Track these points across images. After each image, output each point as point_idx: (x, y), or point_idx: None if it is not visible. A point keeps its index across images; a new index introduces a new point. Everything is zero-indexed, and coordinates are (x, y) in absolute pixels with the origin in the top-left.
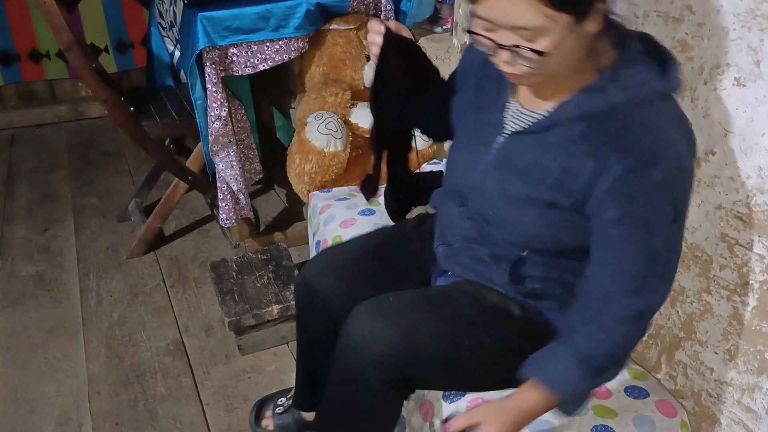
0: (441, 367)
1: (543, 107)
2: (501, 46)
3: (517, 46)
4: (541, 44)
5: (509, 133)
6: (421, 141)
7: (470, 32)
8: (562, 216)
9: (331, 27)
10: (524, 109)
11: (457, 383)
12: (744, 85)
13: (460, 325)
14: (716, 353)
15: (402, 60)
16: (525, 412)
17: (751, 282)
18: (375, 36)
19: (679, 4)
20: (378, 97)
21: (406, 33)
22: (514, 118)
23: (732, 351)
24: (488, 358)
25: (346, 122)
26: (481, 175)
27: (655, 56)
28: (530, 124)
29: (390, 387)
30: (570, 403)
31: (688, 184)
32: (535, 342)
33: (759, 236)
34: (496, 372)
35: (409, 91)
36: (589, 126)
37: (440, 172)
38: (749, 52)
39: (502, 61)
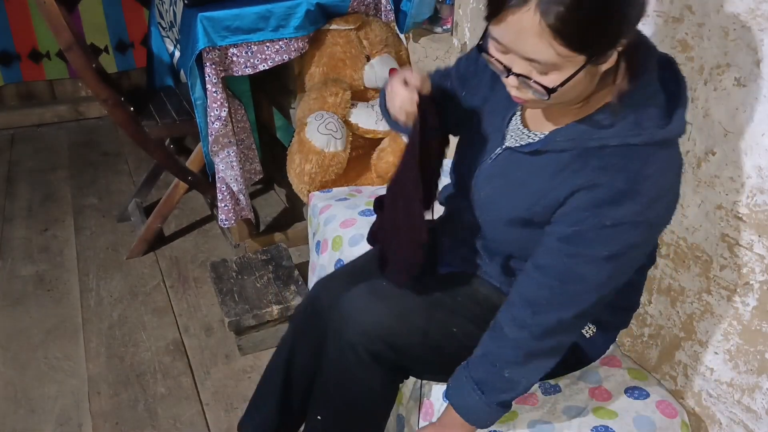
0: (429, 351)
1: (542, 129)
2: (511, 73)
3: (528, 77)
4: (552, 79)
5: (506, 146)
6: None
7: (482, 51)
8: (535, 234)
9: (331, 27)
10: (524, 129)
11: (444, 369)
12: (744, 85)
13: (452, 313)
14: (716, 353)
15: (434, 118)
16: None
17: (751, 282)
18: (408, 105)
19: (679, 4)
20: (425, 165)
21: (425, 85)
22: (513, 133)
23: (732, 351)
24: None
25: (346, 122)
26: (477, 182)
27: (669, 88)
28: (525, 143)
29: (377, 361)
30: (483, 423)
31: (642, 234)
32: None
33: (759, 236)
34: None
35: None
36: (574, 157)
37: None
38: (749, 52)
39: (510, 85)
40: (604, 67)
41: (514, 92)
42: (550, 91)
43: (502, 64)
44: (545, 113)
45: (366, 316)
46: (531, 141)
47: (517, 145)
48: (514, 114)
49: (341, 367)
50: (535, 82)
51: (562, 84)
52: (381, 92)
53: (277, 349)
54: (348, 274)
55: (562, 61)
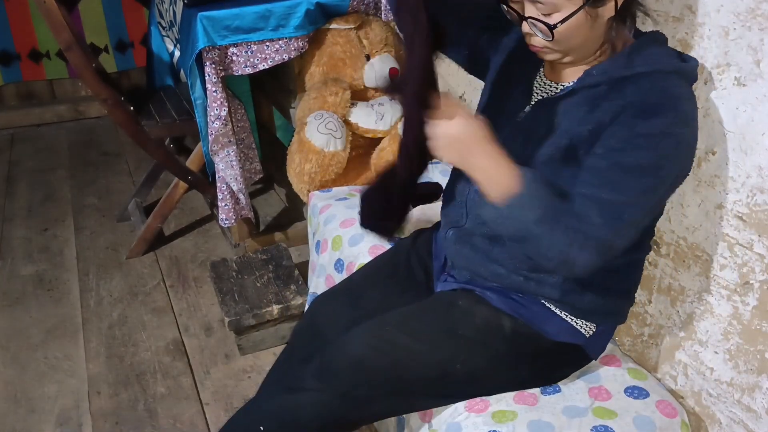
0: (433, 385)
1: (567, 80)
2: (521, 17)
3: (534, 18)
4: (554, 18)
5: (535, 101)
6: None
7: (502, 2)
8: (571, 171)
9: (331, 26)
10: (551, 82)
11: (448, 398)
12: (744, 85)
13: (454, 348)
14: (716, 353)
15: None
16: (484, 155)
17: (751, 282)
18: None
19: (679, 3)
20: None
21: None
22: (540, 88)
23: (732, 351)
24: (480, 374)
25: (346, 122)
26: (505, 137)
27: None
28: (556, 92)
29: (348, 399)
30: (514, 198)
31: (672, 148)
32: (525, 358)
33: (759, 236)
34: (488, 384)
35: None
36: (610, 87)
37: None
38: (749, 52)
39: (524, 31)
40: (605, 12)
41: (528, 40)
42: (551, 27)
43: (516, 12)
44: (564, 68)
45: (364, 367)
46: (563, 88)
47: (549, 94)
48: (538, 74)
49: (313, 397)
50: (540, 21)
51: (562, 21)
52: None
53: (272, 369)
54: (345, 293)
55: (561, 1)
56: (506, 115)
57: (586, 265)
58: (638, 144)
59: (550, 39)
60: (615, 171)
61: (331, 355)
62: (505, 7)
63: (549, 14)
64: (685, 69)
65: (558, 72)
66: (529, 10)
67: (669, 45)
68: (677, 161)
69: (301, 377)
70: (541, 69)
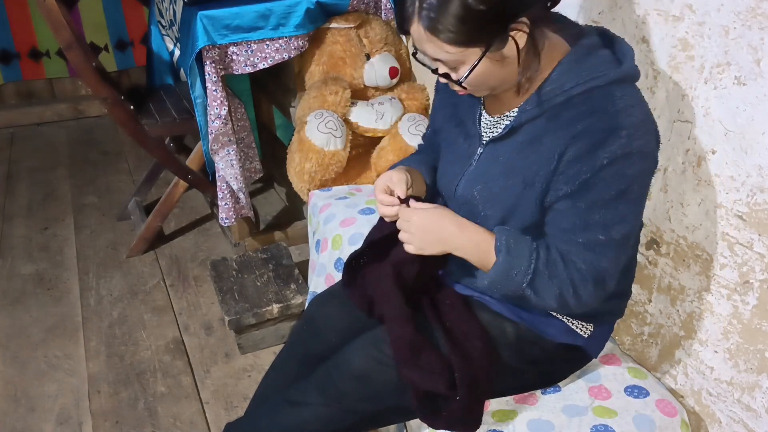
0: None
1: (510, 109)
2: (435, 72)
3: (443, 74)
4: (461, 72)
5: (485, 142)
6: None
7: (415, 58)
8: (533, 194)
9: (331, 25)
10: (493, 117)
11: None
12: (744, 84)
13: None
14: (716, 352)
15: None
16: (462, 243)
17: (751, 281)
18: (388, 210)
19: (679, 2)
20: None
21: (400, 186)
22: (487, 127)
23: (732, 350)
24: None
25: (346, 121)
26: (464, 186)
27: (611, 47)
28: (501, 129)
29: (349, 411)
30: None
31: (637, 164)
32: (529, 363)
33: (759, 235)
34: (492, 389)
35: None
36: (548, 120)
37: None
38: (750, 51)
39: (442, 81)
40: (511, 51)
41: (451, 88)
42: (460, 82)
43: (428, 66)
44: (502, 99)
45: (366, 382)
46: (506, 124)
47: (496, 134)
48: (480, 113)
49: (317, 411)
50: (450, 76)
51: (467, 75)
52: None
53: (271, 368)
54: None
55: (460, 56)
56: (460, 163)
57: (590, 301)
58: (602, 178)
59: (464, 89)
60: (588, 211)
61: (334, 369)
62: (418, 59)
63: (455, 68)
64: (622, 75)
65: (497, 104)
66: (439, 67)
67: (615, 36)
68: (645, 171)
69: (304, 391)
70: (481, 106)
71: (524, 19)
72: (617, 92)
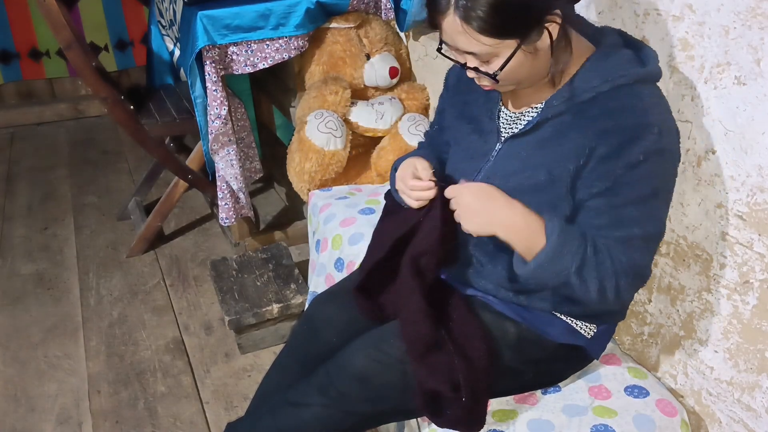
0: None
1: (532, 105)
2: (464, 66)
3: (475, 69)
4: (493, 66)
5: (504, 138)
6: None
7: (440, 52)
8: (548, 197)
9: (331, 25)
10: (514, 113)
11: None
12: (744, 84)
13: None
14: (716, 352)
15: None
16: (513, 222)
17: (751, 281)
18: (426, 193)
19: (679, 2)
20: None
21: (426, 172)
22: (507, 123)
23: (732, 350)
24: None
25: (346, 121)
26: (482, 182)
27: (632, 47)
28: (523, 125)
29: (351, 413)
30: (535, 265)
31: (668, 162)
32: (530, 363)
33: (759, 235)
34: (493, 389)
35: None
36: (574, 116)
37: None
38: (750, 51)
39: (470, 76)
40: (544, 44)
41: (477, 82)
42: (493, 75)
43: (456, 60)
44: (524, 95)
45: (366, 383)
46: (529, 119)
47: (516, 130)
48: (499, 109)
49: (319, 413)
50: (481, 71)
51: (502, 68)
52: (391, 175)
53: (271, 368)
54: (344, 293)
55: (494, 49)
56: (476, 159)
57: (627, 296)
58: (638, 174)
59: (497, 83)
60: (624, 207)
61: (334, 369)
62: (444, 55)
63: (488, 62)
64: (647, 74)
65: (519, 99)
66: (468, 60)
67: (633, 37)
68: (673, 166)
69: (305, 391)
70: (500, 102)
71: (558, 11)
72: (644, 90)
